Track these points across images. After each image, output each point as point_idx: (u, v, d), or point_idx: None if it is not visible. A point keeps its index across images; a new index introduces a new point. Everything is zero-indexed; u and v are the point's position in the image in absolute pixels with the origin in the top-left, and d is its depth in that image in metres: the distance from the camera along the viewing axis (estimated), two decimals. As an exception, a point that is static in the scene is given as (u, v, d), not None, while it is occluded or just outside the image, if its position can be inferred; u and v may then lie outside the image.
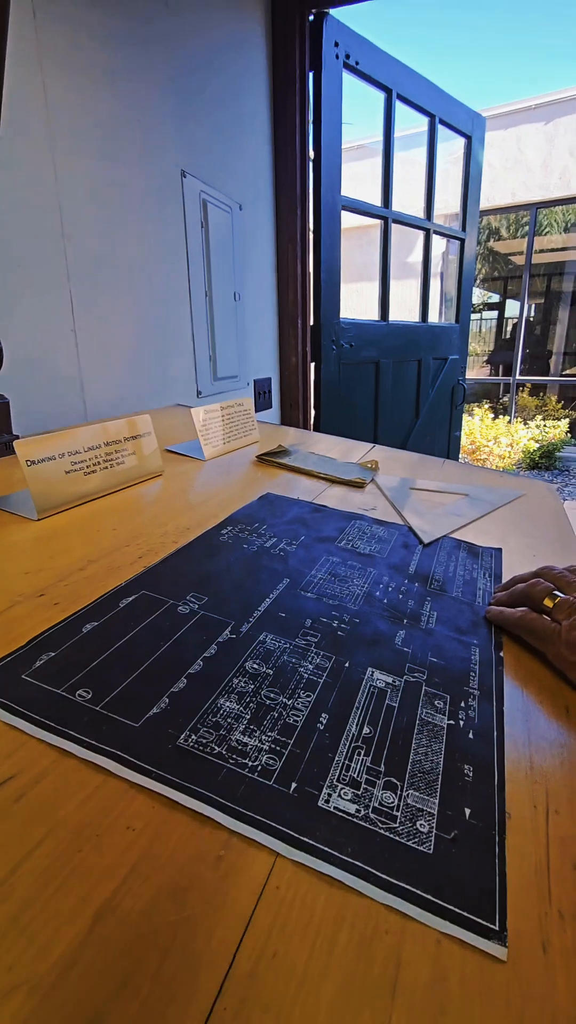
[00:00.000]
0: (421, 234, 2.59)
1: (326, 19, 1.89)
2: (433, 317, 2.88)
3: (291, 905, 0.22)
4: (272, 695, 0.34)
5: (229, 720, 0.31)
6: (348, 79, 2.04)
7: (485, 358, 8.27)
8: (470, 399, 6.81)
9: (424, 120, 2.45)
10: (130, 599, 0.43)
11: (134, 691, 0.33)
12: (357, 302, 2.53)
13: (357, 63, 2.05)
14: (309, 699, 0.34)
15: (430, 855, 0.25)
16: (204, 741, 0.29)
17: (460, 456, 4.03)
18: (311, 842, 0.25)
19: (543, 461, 5.19)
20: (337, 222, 2.14)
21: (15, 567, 0.47)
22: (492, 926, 0.22)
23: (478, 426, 5.43)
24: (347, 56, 2.00)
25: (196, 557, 0.51)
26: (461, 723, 0.33)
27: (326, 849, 0.24)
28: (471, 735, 0.33)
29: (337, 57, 1.97)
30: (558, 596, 0.41)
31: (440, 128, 2.50)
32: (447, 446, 3.17)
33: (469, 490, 0.84)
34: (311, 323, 2.18)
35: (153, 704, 0.32)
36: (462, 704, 0.35)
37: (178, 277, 1.40)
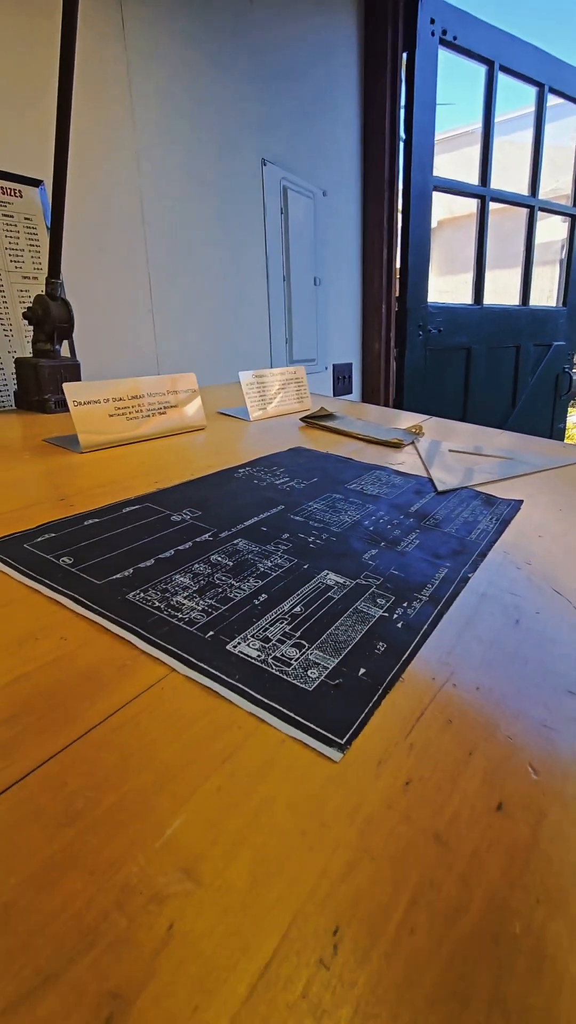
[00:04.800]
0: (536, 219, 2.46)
1: (421, -3, 1.87)
2: (545, 302, 2.71)
3: (167, 701, 0.26)
4: (223, 578, 0.38)
5: (176, 588, 0.36)
6: (444, 55, 2.00)
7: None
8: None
9: (530, 94, 2.32)
10: (133, 507, 0.49)
11: (107, 564, 0.39)
12: (466, 292, 2.43)
13: (455, 38, 2.00)
14: (256, 585, 0.37)
15: (308, 691, 0.28)
16: (148, 599, 0.34)
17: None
18: (205, 667, 0.29)
19: None
20: (428, 204, 2.10)
21: (47, 482, 0.55)
22: (338, 740, 0.25)
23: (594, 422, 4.98)
24: (444, 32, 1.96)
25: (205, 486, 0.57)
26: (395, 617, 0.35)
27: (216, 673, 0.28)
28: (400, 625, 0.34)
29: (433, 34, 1.94)
30: None
31: (550, 98, 2.35)
32: (550, 438, 2.96)
33: (514, 454, 0.81)
34: (396, 309, 2.16)
35: (118, 572, 0.37)
36: (404, 604, 0.37)
37: (255, 261, 1.48)
